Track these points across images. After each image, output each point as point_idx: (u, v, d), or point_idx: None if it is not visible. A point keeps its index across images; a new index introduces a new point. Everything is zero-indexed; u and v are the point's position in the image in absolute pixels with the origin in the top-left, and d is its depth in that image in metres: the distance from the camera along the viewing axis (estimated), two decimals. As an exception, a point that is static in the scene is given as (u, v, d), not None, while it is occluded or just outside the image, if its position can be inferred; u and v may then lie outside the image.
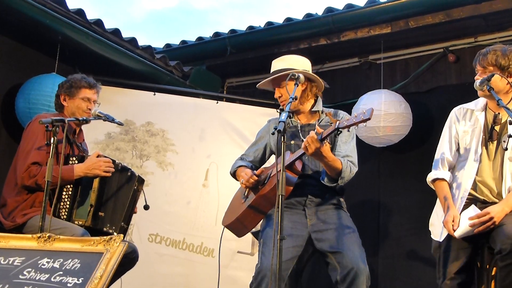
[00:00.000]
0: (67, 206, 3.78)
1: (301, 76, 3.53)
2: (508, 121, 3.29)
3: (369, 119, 3.14)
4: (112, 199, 3.95)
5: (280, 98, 3.72)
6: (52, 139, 3.48)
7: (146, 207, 4.15)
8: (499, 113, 3.64)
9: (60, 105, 4.07)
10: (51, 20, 5.08)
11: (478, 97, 3.74)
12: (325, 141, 3.32)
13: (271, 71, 3.80)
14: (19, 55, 5.47)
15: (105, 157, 3.89)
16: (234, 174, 3.95)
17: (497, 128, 3.65)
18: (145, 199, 4.14)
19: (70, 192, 3.80)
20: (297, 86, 3.53)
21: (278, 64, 3.81)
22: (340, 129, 3.25)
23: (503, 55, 3.54)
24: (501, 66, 3.53)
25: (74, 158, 3.86)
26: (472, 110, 3.77)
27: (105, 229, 3.83)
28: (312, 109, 3.79)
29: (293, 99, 3.39)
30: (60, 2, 5.21)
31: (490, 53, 3.58)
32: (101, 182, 3.84)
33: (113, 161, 3.91)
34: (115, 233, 3.86)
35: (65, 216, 3.75)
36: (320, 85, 3.81)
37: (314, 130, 3.59)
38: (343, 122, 3.22)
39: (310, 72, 3.76)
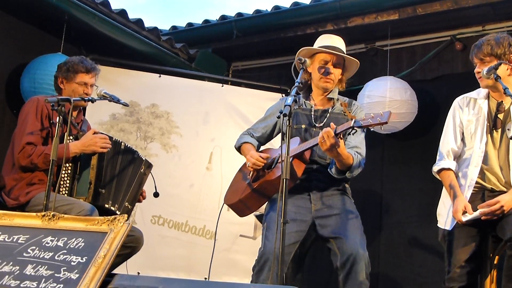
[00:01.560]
0: (67, 184, 3.79)
1: (308, 61, 3.58)
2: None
3: (386, 123, 3.15)
4: (115, 178, 3.94)
5: (330, 76, 3.69)
6: (58, 118, 3.48)
7: (156, 195, 4.17)
8: (502, 101, 3.66)
9: (58, 87, 4.06)
10: (58, -1, 5.09)
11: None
12: (339, 136, 3.32)
13: (325, 44, 3.77)
14: (24, 34, 5.47)
15: (102, 133, 3.89)
16: (239, 149, 3.94)
17: (500, 116, 3.67)
18: (155, 186, 4.16)
19: (69, 171, 3.81)
20: (303, 70, 3.58)
21: (336, 41, 3.81)
22: (356, 128, 3.26)
23: (497, 44, 3.57)
24: (497, 55, 3.56)
25: (70, 137, 3.82)
26: (475, 99, 3.78)
27: (106, 205, 3.83)
28: (328, 95, 3.78)
29: (299, 83, 3.41)
30: (67, -18, 5.22)
31: (484, 44, 3.61)
32: (100, 159, 3.82)
33: (110, 138, 3.90)
34: (117, 212, 3.88)
35: (66, 194, 3.75)
36: (348, 75, 3.89)
37: (327, 117, 3.63)
38: (359, 121, 3.22)
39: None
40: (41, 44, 5.52)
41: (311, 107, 3.74)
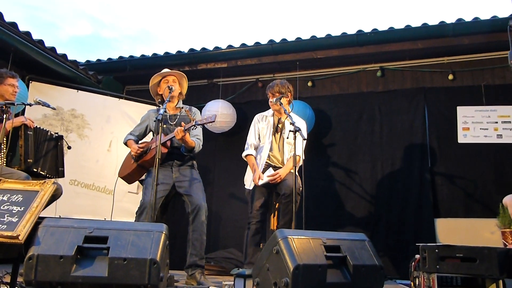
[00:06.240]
0: (4, 160, 3.42)
1: (173, 88, 3.54)
2: (289, 123, 3.52)
3: (213, 121, 3.28)
4: (42, 155, 3.60)
5: (172, 90, 3.55)
6: (4, 115, 3.13)
7: (69, 147, 3.89)
8: (281, 118, 3.88)
9: None
10: (7, 36, 4.56)
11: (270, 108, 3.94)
12: (187, 130, 3.35)
13: (164, 72, 3.73)
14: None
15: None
16: (126, 144, 3.80)
17: (280, 125, 3.88)
18: (67, 144, 3.86)
19: (4, 151, 3.42)
20: (171, 92, 3.54)
21: (169, 71, 3.75)
22: (196, 125, 3.30)
23: (281, 86, 3.78)
24: (281, 92, 3.76)
25: None
26: (266, 116, 3.96)
27: (35, 169, 3.49)
28: (176, 106, 3.75)
29: (168, 101, 3.38)
30: (14, 25, 4.65)
31: (275, 85, 3.80)
32: (25, 140, 3.47)
33: (40, 128, 3.59)
34: (48, 175, 3.58)
35: (5, 165, 3.39)
36: (184, 89, 3.81)
37: (177, 118, 3.62)
38: (198, 121, 3.29)
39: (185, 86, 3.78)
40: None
41: (167, 113, 3.70)
